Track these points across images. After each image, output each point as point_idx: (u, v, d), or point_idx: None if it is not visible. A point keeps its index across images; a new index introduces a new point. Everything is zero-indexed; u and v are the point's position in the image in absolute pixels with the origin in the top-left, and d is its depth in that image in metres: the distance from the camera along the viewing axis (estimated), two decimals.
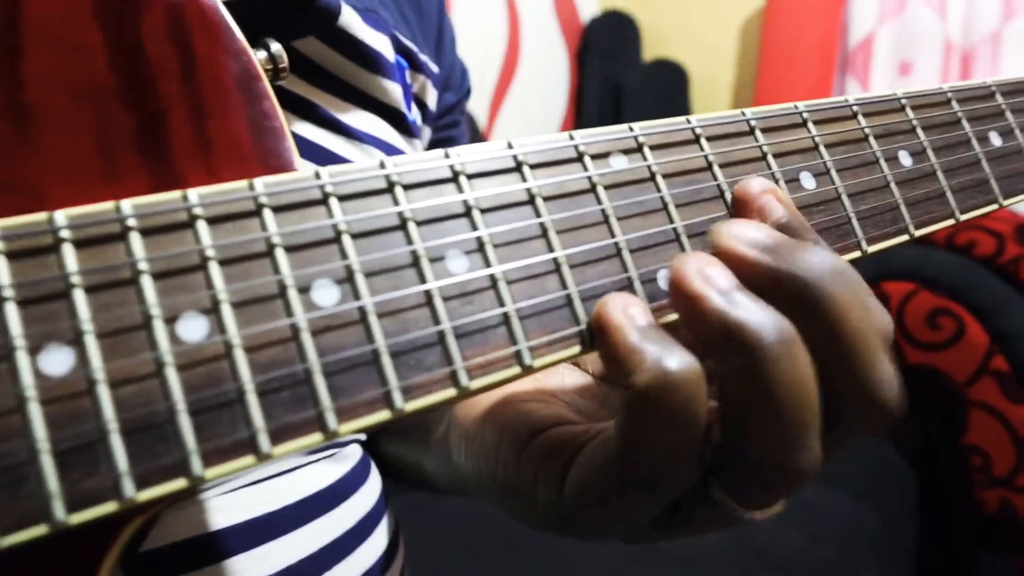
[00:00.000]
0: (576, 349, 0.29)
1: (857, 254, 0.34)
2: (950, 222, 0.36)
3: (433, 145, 0.58)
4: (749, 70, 2.27)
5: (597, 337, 0.28)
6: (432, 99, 0.55)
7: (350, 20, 0.44)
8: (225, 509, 0.37)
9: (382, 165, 0.28)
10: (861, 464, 1.23)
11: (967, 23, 1.94)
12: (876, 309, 0.29)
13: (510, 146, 0.29)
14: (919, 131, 0.38)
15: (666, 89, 2.23)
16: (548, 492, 0.32)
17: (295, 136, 0.43)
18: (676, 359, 0.26)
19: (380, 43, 0.47)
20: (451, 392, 0.27)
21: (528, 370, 0.28)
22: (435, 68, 0.55)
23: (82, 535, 0.23)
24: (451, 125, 0.60)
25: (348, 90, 0.46)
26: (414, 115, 0.52)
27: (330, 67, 0.45)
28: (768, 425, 0.27)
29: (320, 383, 0.25)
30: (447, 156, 0.28)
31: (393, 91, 0.48)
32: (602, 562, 0.88)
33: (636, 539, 0.33)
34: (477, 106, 1.82)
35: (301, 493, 0.41)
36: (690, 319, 0.28)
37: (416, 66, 0.53)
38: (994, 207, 0.39)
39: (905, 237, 0.35)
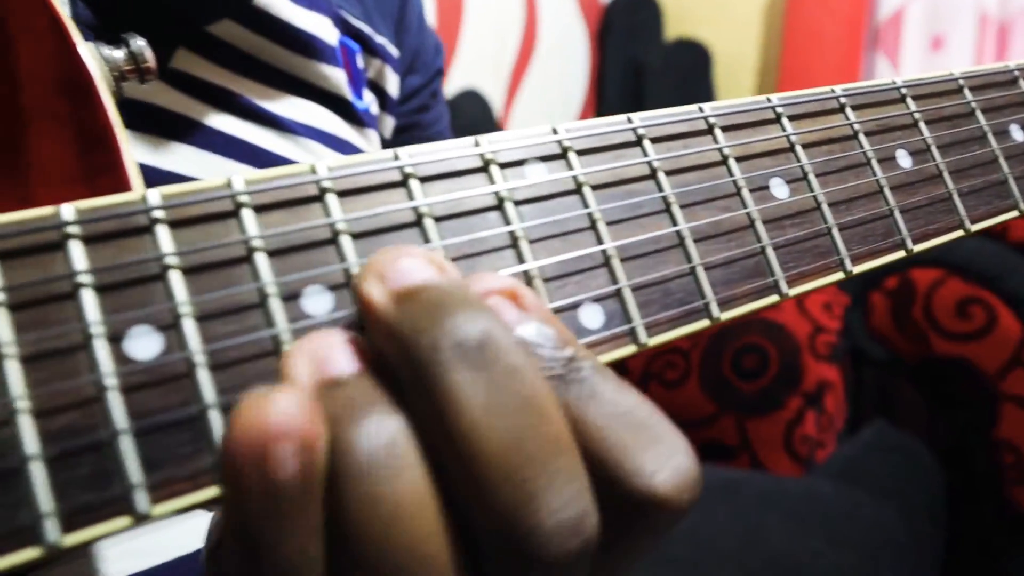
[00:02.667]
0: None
1: (840, 275, 0.29)
2: (958, 233, 0.31)
3: (398, 132, 0.53)
4: (774, 49, 2.22)
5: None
6: (392, 84, 0.52)
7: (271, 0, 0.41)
8: (122, 558, 0.34)
9: (314, 170, 0.24)
10: (886, 462, 1.19)
11: None
12: (538, 407, 0.20)
13: (555, 131, 0.26)
14: (922, 126, 0.33)
15: (689, 70, 2.20)
16: None
17: (211, 130, 0.39)
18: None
19: (315, 24, 0.43)
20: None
21: None
22: (394, 51, 0.51)
23: None
24: (419, 109, 0.56)
25: (276, 75, 0.42)
26: (366, 102, 0.48)
27: (252, 51, 0.41)
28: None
29: (136, 447, 0.21)
30: (397, 158, 0.25)
31: (333, 76, 0.45)
32: None
33: None
34: (493, 90, 1.79)
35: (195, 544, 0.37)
36: None
37: (370, 49, 0.49)
38: (1014, 214, 0.33)
39: (901, 253, 0.30)
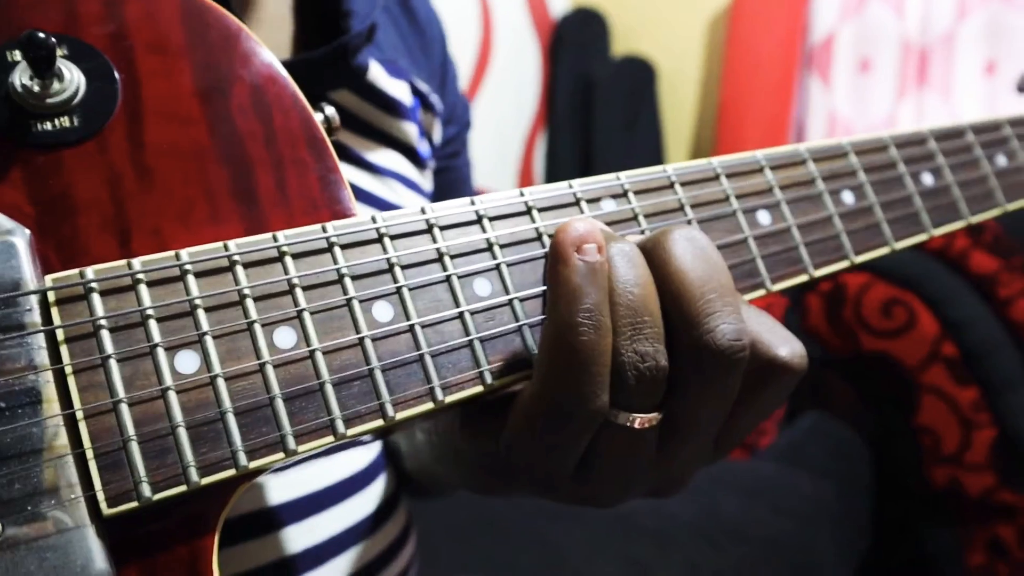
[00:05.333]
0: None
1: (805, 278, 0.41)
2: (886, 250, 0.44)
3: (436, 173, 0.65)
4: (716, 66, 2.32)
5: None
6: (437, 133, 0.63)
7: (376, 74, 0.51)
8: (280, 487, 0.45)
9: (422, 211, 0.35)
10: (820, 444, 1.30)
11: (924, 22, 2.00)
12: (723, 271, 0.35)
13: (522, 194, 0.37)
14: (860, 173, 0.45)
15: (635, 84, 2.28)
16: (485, 446, 0.37)
17: None
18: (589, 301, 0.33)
19: (400, 90, 0.55)
20: (479, 388, 0.34)
21: None
22: (440, 105, 0.63)
23: (207, 494, 0.30)
24: (452, 155, 0.68)
25: (374, 132, 0.54)
26: (424, 148, 0.59)
27: (360, 114, 0.52)
28: (611, 317, 0.33)
29: (380, 380, 0.32)
30: (472, 203, 0.36)
31: (411, 131, 0.56)
32: (578, 540, 0.95)
33: (561, 491, 0.38)
34: None
35: (341, 475, 0.48)
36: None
37: (427, 105, 0.60)
38: (924, 236, 0.46)
39: (846, 263, 0.43)
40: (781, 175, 0.42)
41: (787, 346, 0.35)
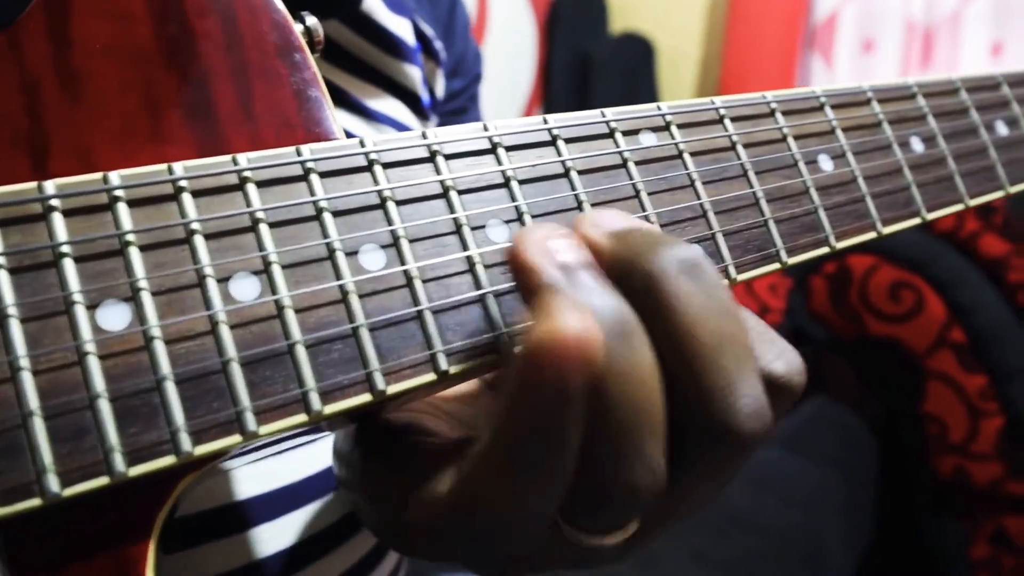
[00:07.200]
0: None
1: (872, 235, 0.35)
2: (959, 207, 0.37)
3: None
4: (716, 44, 2.27)
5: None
6: (440, 86, 0.56)
7: (374, 5, 0.44)
8: (251, 479, 0.38)
9: (423, 135, 0.28)
10: (826, 432, 1.27)
11: (929, 1, 1.97)
12: (735, 316, 0.25)
13: (545, 121, 0.30)
14: (930, 118, 0.39)
15: (633, 62, 2.24)
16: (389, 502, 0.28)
17: None
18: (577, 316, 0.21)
19: (402, 28, 0.47)
20: (493, 356, 0.27)
21: None
22: (444, 54, 0.56)
23: (138, 488, 0.23)
24: (457, 111, 0.60)
25: (371, 73, 0.47)
26: (426, 96, 0.52)
27: (353, 50, 0.45)
28: (599, 426, 0.23)
29: (368, 343, 0.25)
30: (486, 129, 0.29)
31: (413, 75, 0.49)
32: None
33: (479, 569, 0.29)
34: None
35: (323, 464, 0.41)
36: (523, 293, 0.24)
37: (429, 52, 0.53)
38: (1000, 194, 0.40)
39: (917, 220, 0.36)
40: (843, 115, 0.36)
41: (782, 360, 0.28)
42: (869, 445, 1.31)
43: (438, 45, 0.54)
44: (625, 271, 0.25)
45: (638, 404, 0.23)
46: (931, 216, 0.37)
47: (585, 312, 0.22)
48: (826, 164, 0.35)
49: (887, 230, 0.35)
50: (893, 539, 1.28)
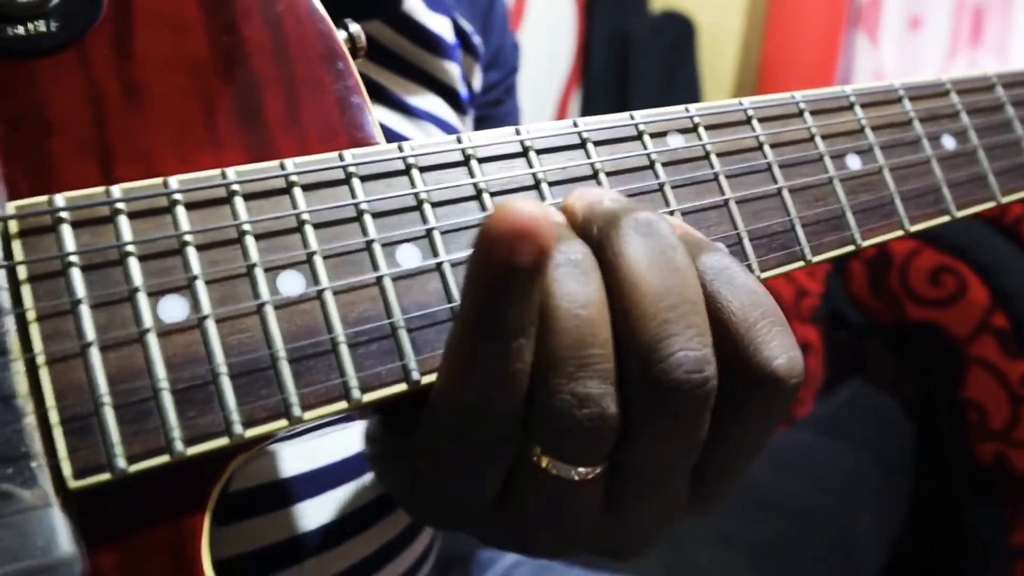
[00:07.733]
0: None
1: (900, 232, 0.36)
2: (991, 204, 0.38)
3: (476, 122, 0.59)
4: (758, 22, 2.25)
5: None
6: (477, 80, 0.57)
7: (413, 5, 0.46)
8: (296, 458, 0.40)
9: (458, 140, 0.30)
10: (863, 416, 1.26)
11: None
12: (684, 276, 0.27)
13: (575, 124, 0.31)
14: (963, 115, 0.39)
15: (674, 41, 2.21)
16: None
17: None
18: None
19: (441, 26, 0.49)
20: None
21: None
22: (482, 48, 0.57)
23: (195, 466, 0.26)
24: (494, 103, 0.61)
25: (411, 71, 0.48)
26: (465, 92, 0.54)
27: (395, 49, 0.47)
28: (546, 336, 0.25)
29: (405, 337, 0.27)
30: (518, 133, 0.31)
31: (453, 71, 0.50)
32: None
33: (480, 525, 0.31)
34: None
35: (362, 446, 0.43)
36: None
37: (468, 47, 0.54)
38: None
39: (946, 218, 0.36)
40: (872, 113, 0.36)
41: (773, 349, 0.27)
42: (906, 430, 1.31)
43: (476, 40, 0.55)
44: (588, 226, 0.28)
45: (582, 328, 0.26)
46: (960, 214, 0.37)
47: (546, 209, 0.24)
48: (854, 163, 0.36)
49: (915, 228, 0.36)
50: (928, 525, 1.27)
